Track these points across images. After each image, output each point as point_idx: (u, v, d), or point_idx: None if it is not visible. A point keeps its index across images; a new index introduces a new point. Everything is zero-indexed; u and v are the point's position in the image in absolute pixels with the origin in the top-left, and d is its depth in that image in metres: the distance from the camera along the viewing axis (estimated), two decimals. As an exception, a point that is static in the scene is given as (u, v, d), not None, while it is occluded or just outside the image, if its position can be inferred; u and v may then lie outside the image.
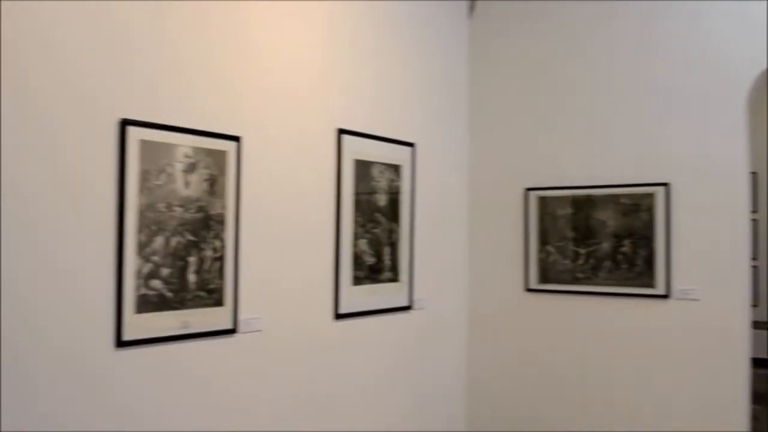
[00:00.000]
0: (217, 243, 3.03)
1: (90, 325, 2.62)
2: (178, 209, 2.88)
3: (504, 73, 4.68)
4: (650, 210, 4.10)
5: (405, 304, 4.15)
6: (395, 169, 4.06)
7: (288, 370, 3.39)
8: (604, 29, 4.36)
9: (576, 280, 4.36)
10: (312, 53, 3.56)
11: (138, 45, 2.78)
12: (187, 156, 2.92)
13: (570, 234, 4.39)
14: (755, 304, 6.74)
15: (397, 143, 4.07)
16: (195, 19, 2.98)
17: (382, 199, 3.95)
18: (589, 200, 4.31)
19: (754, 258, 7.10)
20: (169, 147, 2.85)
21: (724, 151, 3.95)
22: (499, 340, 4.62)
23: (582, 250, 4.34)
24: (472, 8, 4.75)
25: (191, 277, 2.92)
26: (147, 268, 2.77)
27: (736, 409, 3.86)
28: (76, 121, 2.59)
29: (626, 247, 4.18)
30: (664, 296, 4.04)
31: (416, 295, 4.23)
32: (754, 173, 6.90)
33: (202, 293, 2.97)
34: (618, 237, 4.21)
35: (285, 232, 3.39)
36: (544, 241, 4.49)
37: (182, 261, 2.89)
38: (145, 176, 2.77)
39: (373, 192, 3.89)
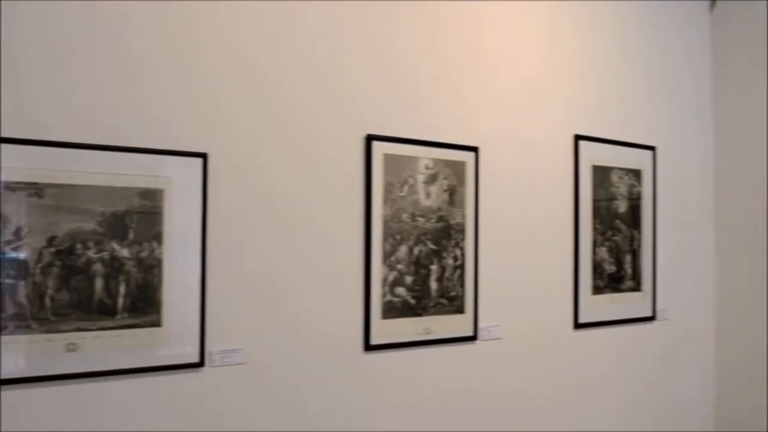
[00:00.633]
0: (458, 251, 3.09)
1: (344, 329, 2.80)
2: (420, 219, 2.98)
3: (749, 72, 4.31)
4: None
5: (648, 314, 3.96)
6: (635, 174, 3.90)
7: (528, 379, 3.38)
8: None
9: None
10: (541, 60, 3.53)
11: (379, 66, 2.93)
12: (427, 167, 3.02)
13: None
14: None
15: (636, 147, 3.91)
16: (429, 39, 3.09)
17: (621, 206, 3.81)
18: None
19: None
20: (410, 159, 2.97)
21: None
22: (751, 352, 4.26)
23: None
24: (712, 6, 4.44)
25: (433, 285, 3.02)
26: (392, 275, 2.90)
27: None
28: (330, 136, 2.80)
29: None
30: None
31: (660, 306, 4.03)
32: None
33: (444, 300, 3.05)
34: None
35: (523, 240, 3.38)
36: (807, 248, 4.08)
37: (425, 269, 2.99)
38: (388, 188, 2.90)
39: (612, 198, 3.76)
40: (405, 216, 2.94)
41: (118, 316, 2.32)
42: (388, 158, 2.91)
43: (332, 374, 2.78)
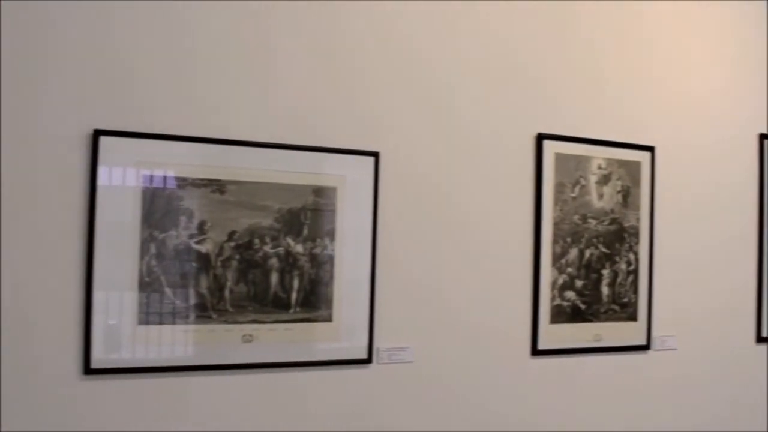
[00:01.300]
0: (631, 256, 2.95)
1: (511, 331, 2.74)
2: (592, 221, 2.86)
3: None
4: None
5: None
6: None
7: (704, 394, 3.16)
8: None
9: None
10: (722, 55, 3.28)
11: (545, 63, 2.85)
12: (600, 167, 2.89)
13: None
14: None
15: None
16: (602, 37, 2.96)
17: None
18: None
19: None
20: (582, 159, 2.86)
21: None
22: None
23: None
24: None
25: (604, 290, 2.89)
26: (561, 279, 2.80)
27: None
28: (500, 134, 2.75)
29: None
30: None
31: None
32: None
33: (615, 307, 2.91)
34: None
35: (702, 246, 3.17)
36: None
37: (596, 273, 2.87)
38: (559, 188, 2.80)
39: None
40: (576, 218, 2.83)
41: (292, 310, 2.38)
42: (559, 157, 2.82)
43: (498, 377, 2.73)
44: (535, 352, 2.77)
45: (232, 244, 2.31)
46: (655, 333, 3.02)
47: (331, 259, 2.43)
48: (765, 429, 3.34)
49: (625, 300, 2.94)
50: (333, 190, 2.44)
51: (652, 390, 3.03)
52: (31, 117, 2.11)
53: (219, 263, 2.29)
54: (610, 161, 2.92)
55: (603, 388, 2.92)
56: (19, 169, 2.09)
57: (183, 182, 2.25)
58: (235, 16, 2.35)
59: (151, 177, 2.22)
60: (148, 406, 2.23)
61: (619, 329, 2.93)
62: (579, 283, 2.83)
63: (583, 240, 2.84)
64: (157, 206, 2.22)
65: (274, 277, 2.36)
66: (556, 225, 2.79)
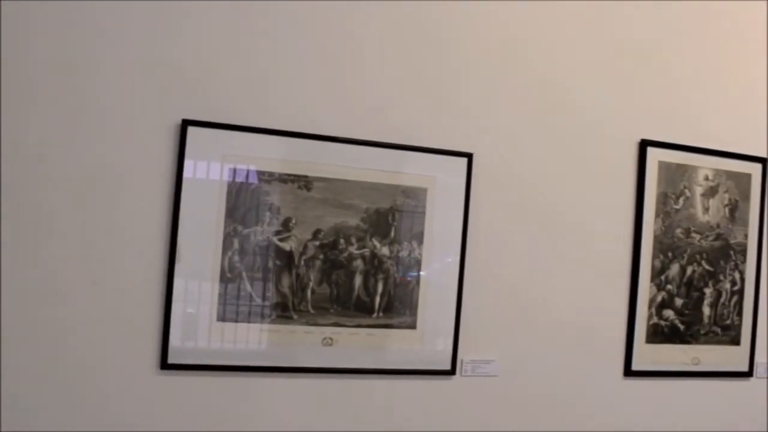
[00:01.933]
0: (736, 275, 2.74)
1: (604, 349, 2.59)
2: (696, 236, 2.67)
3: None
4: None
5: None
6: None
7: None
8: None
9: None
10: None
11: (654, 66, 2.66)
12: (707, 179, 2.70)
13: None
14: None
15: None
16: (707, 39, 2.76)
17: None
18: None
19: None
20: (688, 169, 2.67)
21: None
22: None
23: None
24: None
25: (706, 310, 2.69)
26: (660, 296, 2.62)
27: None
28: (600, 139, 2.59)
29: None
30: None
31: None
32: None
33: (717, 329, 2.71)
34: None
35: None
36: None
37: (698, 292, 2.67)
38: (662, 199, 2.63)
39: None
40: (679, 231, 2.65)
41: (374, 315, 2.28)
42: (663, 166, 2.64)
43: (587, 398, 2.56)
44: (628, 372, 2.59)
45: (317, 243, 2.22)
46: (758, 359, 2.81)
47: (418, 263, 2.32)
48: None
49: (728, 322, 2.73)
50: (423, 191, 2.32)
51: (754, 420, 2.82)
52: (122, 106, 2.07)
53: (302, 262, 2.21)
54: (718, 172, 2.72)
55: (700, 416, 2.72)
56: (106, 158, 2.05)
57: (269, 177, 2.17)
58: (326, 13, 2.27)
59: (236, 170, 2.15)
60: (223, 404, 2.16)
61: (719, 353, 2.72)
62: (679, 302, 2.65)
63: (686, 256, 2.65)
64: (242, 200, 2.15)
65: (358, 280, 2.26)
66: (657, 238, 2.61)
